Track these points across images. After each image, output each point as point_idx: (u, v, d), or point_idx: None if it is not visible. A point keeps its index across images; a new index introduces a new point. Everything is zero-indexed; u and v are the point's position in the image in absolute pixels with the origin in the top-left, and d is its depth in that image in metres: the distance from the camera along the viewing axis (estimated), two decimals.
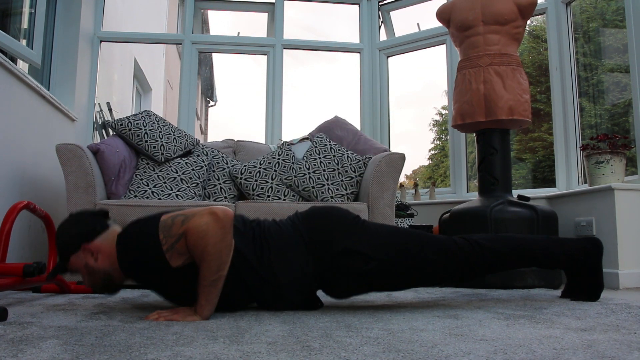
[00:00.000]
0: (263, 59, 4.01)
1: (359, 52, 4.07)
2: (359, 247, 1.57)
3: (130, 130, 2.89)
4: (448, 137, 3.94)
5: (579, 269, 1.81)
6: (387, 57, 4.06)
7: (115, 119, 3.13)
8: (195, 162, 2.93)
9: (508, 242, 1.75)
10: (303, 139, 3.13)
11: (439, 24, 3.33)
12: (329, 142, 3.00)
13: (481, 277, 1.78)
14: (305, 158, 2.94)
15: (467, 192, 3.63)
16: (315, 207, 1.70)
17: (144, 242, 1.44)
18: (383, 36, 4.14)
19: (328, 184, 2.81)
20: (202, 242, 1.37)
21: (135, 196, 2.69)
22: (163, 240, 1.41)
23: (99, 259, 1.50)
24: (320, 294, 1.75)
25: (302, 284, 1.57)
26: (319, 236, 1.59)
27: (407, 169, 13.23)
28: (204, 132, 11.95)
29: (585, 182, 3.00)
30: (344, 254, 1.56)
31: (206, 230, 1.37)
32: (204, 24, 5.93)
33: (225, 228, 1.40)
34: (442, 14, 2.97)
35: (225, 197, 2.89)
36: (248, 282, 1.52)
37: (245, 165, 2.93)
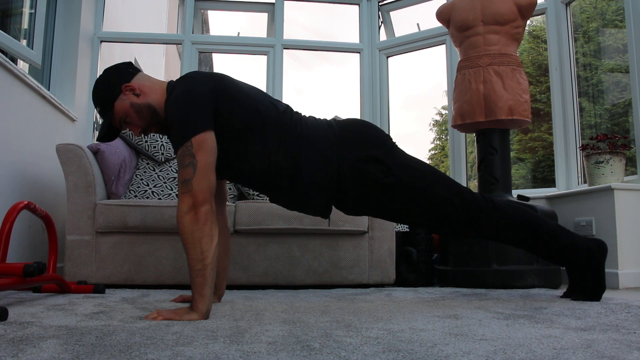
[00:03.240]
0: (263, 58, 4.01)
1: (359, 52, 4.07)
2: (383, 158, 1.64)
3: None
4: (448, 137, 3.94)
5: (578, 266, 1.81)
6: (387, 57, 4.06)
7: None
8: None
9: (520, 211, 1.80)
10: None
11: (438, 24, 3.33)
12: None
13: (486, 237, 1.80)
14: None
15: None
16: (354, 118, 1.80)
17: (183, 107, 1.49)
18: (383, 36, 4.14)
19: None
20: (179, 228, 1.42)
21: (136, 196, 2.69)
22: (180, 150, 1.44)
23: (141, 95, 1.58)
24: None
25: (322, 180, 1.61)
26: (351, 135, 1.66)
27: None
28: None
29: (585, 182, 3.00)
30: (368, 159, 1.63)
31: (180, 222, 1.41)
32: (204, 24, 5.93)
33: (200, 220, 1.40)
34: (442, 14, 2.97)
35: None
36: (271, 159, 1.57)
37: None
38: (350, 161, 1.62)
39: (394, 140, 1.76)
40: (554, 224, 1.84)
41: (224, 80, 1.61)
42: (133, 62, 1.71)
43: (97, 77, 1.66)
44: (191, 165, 1.42)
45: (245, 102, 1.59)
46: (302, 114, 1.72)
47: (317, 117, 1.75)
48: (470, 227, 1.74)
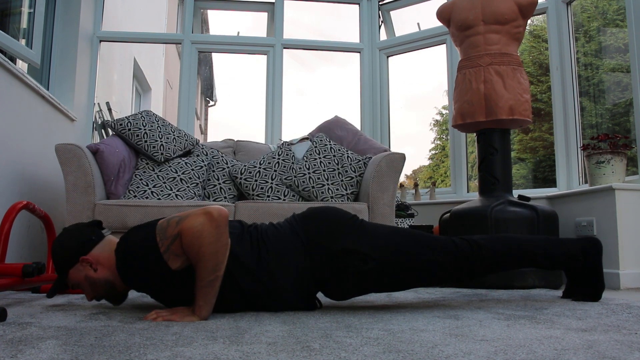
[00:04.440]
0: (263, 58, 4.01)
1: (359, 52, 4.07)
2: (357, 247, 1.56)
3: (129, 130, 2.89)
4: (448, 137, 3.94)
5: (578, 269, 1.80)
6: (387, 57, 4.06)
7: (115, 118, 3.13)
8: (195, 162, 2.92)
9: (507, 243, 1.74)
10: (303, 139, 3.13)
11: (439, 24, 3.32)
12: (329, 142, 2.99)
13: (480, 277, 1.78)
14: (305, 158, 2.94)
15: (468, 192, 3.62)
16: (312, 208, 1.69)
17: (142, 246, 1.44)
18: (383, 36, 4.14)
19: (328, 184, 2.81)
20: (197, 242, 1.37)
21: (135, 196, 2.69)
22: (160, 242, 1.40)
23: (99, 269, 1.50)
24: (320, 296, 1.74)
25: (301, 286, 1.56)
26: (317, 237, 1.58)
27: (408, 169, 13.23)
28: (204, 132, 11.95)
29: (586, 182, 2.99)
30: (342, 253, 1.55)
31: (201, 230, 1.37)
32: (204, 24, 5.93)
33: (220, 228, 1.39)
34: (443, 14, 2.96)
35: (225, 197, 2.88)
36: (245, 287, 1.51)
37: (245, 165, 2.93)
38: (325, 261, 1.55)
39: (357, 215, 1.69)
40: (543, 240, 1.80)
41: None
42: (102, 221, 1.65)
43: (60, 233, 1.58)
44: (178, 221, 1.40)
45: None
46: (261, 226, 1.63)
47: (275, 224, 1.66)
48: (462, 274, 1.70)
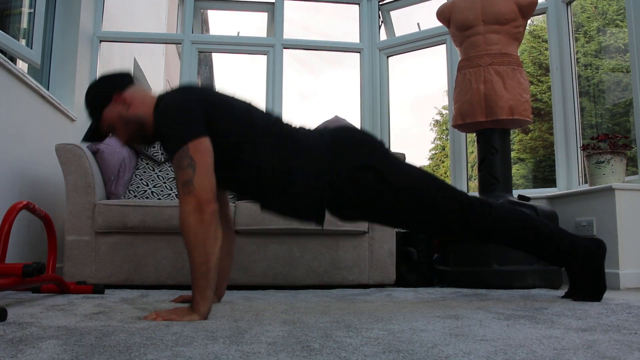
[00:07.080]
0: (263, 58, 4.00)
1: (359, 52, 4.07)
2: (377, 166, 1.62)
3: None
4: (448, 137, 3.94)
5: (577, 266, 1.81)
6: (387, 57, 4.06)
7: None
8: None
9: (517, 214, 1.79)
10: None
11: (439, 24, 3.32)
12: None
13: (482, 240, 1.81)
14: None
15: (468, 192, 3.62)
16: (345, 125, 1.76)
17: (174, 118, 1.48)
18: (383, 36, 4.14)
19: None
20: (182, 229, 1.40)
21: (135, 196, 2.68)
22: (177, 152, 1.43)
23: (131, 107, 1.58)
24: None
25: (313, 188, 1.60)
26: (343, 147, 1.64)
27: None
28: None
29: (586, 182, 2.99)
30: (361, 168, 1.61)
31: (184, 223, 1.39)
32: (204, 24, 5.93)
33: (206, 221, 1.39)
34: (443, 14, 2.96)
35: None
36: (262, 168, 1.56)
37: None
38: (343, 170, 1.61)
39: (387, 146, 1.75)
40: (552, 226, 1.84)
41: (213, 93, 1.61)
42: (132, 70, 1.74)
43: (93, 80, 1.69)
44: (190, 166, 1.42)
45: (235, 114, 1.59)
46: (293, 125, 1.70)
47: (308, 127, 1.73)
48: (466, 230, 1.74)
